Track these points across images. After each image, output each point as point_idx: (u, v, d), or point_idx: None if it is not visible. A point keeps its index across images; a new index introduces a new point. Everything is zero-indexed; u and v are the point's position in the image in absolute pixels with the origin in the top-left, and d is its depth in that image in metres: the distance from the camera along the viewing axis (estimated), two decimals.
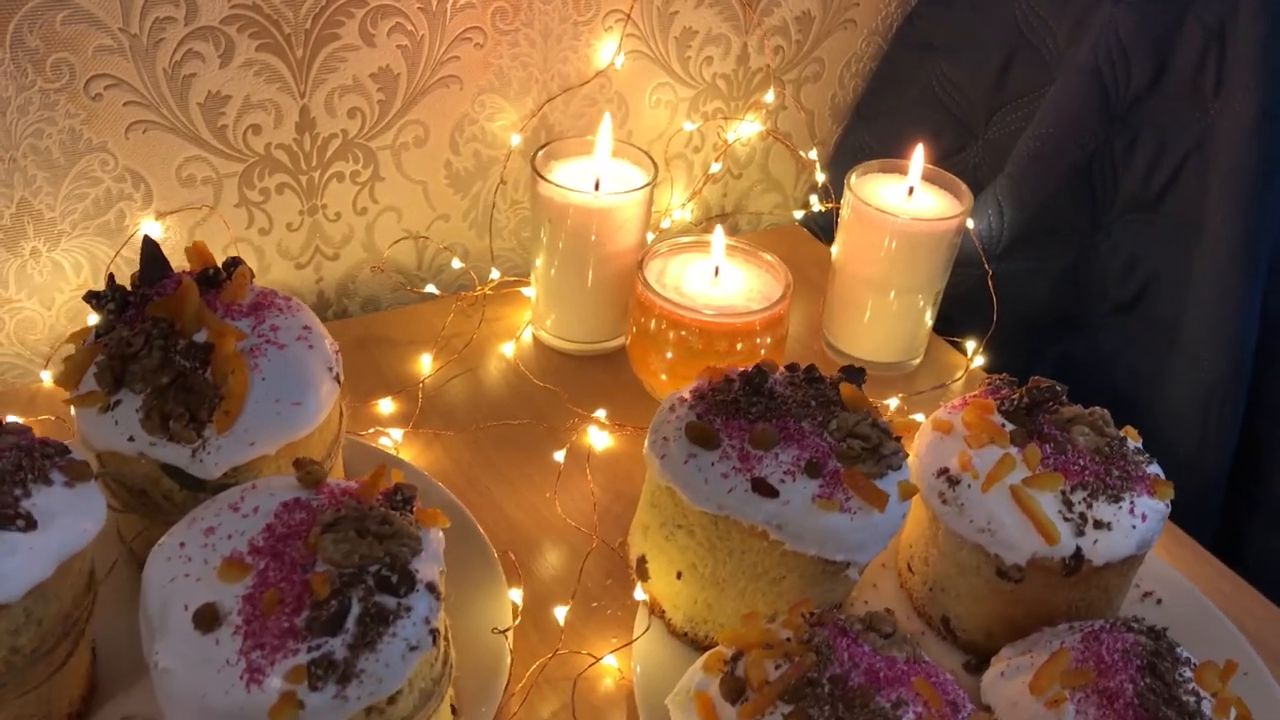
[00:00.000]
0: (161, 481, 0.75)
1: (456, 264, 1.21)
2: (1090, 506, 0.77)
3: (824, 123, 1.40)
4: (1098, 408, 0.84)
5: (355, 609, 0.62)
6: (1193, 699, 0.71)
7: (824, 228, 1.36)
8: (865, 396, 0.79)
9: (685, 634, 0.82)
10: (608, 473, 0.98)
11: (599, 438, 1.01)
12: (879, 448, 0.76)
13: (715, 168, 1.32)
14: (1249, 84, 1.05)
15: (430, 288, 1.18)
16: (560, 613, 0.83)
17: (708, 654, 0.74)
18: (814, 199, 1.32)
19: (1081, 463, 0.79)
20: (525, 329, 1.15)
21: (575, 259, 1.06)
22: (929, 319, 1.14)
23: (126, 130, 1.00)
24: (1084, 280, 1.21)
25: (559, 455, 0.97)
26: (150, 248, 0.80)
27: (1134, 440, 0.83)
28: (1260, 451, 1.13)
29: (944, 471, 0.80)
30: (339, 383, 0.81)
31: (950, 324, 1.20)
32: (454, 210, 1.21)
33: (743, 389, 0.79)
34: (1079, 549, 0.77)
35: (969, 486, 0.79)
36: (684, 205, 1.33)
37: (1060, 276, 1.22)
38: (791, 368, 0.82)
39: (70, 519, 0.66)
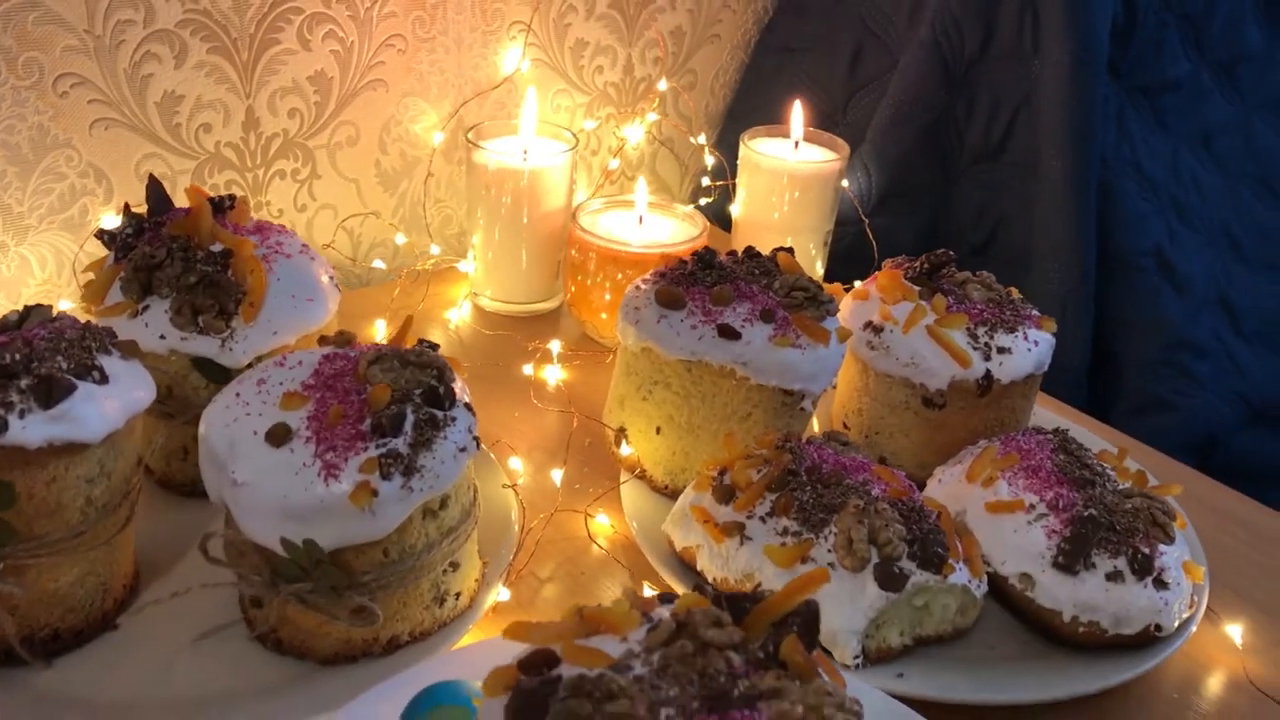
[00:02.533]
0: (189, 378, 0.83)
1: (400, 239, 1.31)
2: (992, 337, 0.92)
3: (699, 128, 1.57)
4: (984, 271, 0.99)
5: (410, 416, 0.71)
6: (1099, 467, 0.85)
7: (716, 219, 1.51)
8: (798, 263, 0.93)
9: (666, 487, 0.92)
10: (571, 391, 1.08)
11: (553, 372, 1.11)
12: (817, 296, 0.89)
13: (614, 164, 1.46)
14: (1061, 39, 1.27)
15: (378, 263, 1.28)
16: (556, 475, 0.93)
17: (696, 478, 0.85)
18: (705, 180, 1.47)
19: (979, 307, 0.94)
20: (464, 301, 1.25)
21: (511, 223, 1.18)
22: (820, 266, 1.30)
23: (90, 127, 1.08)
24: (943, 228, 1.40)
25: (527, 368, 1.08)
26: (156, 185, 0.88)
27: (1016, 295, 0.99)
28: (1113, 348, 1.31)
29: (869, 324, 0.94)
30: (339, 290, 0.90)
31: (834, 278, 1.35)
32: (384, 208, 1.31)
33: (696, 265, 0.91)
34: (988, 371, 0.91)
35: (891, 332, 0.93)
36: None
37: (924, 227, 1.40)
38: (730, 253, 0.95)
39: (130, 383, 0.73)
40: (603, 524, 0.91)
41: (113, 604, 0.76)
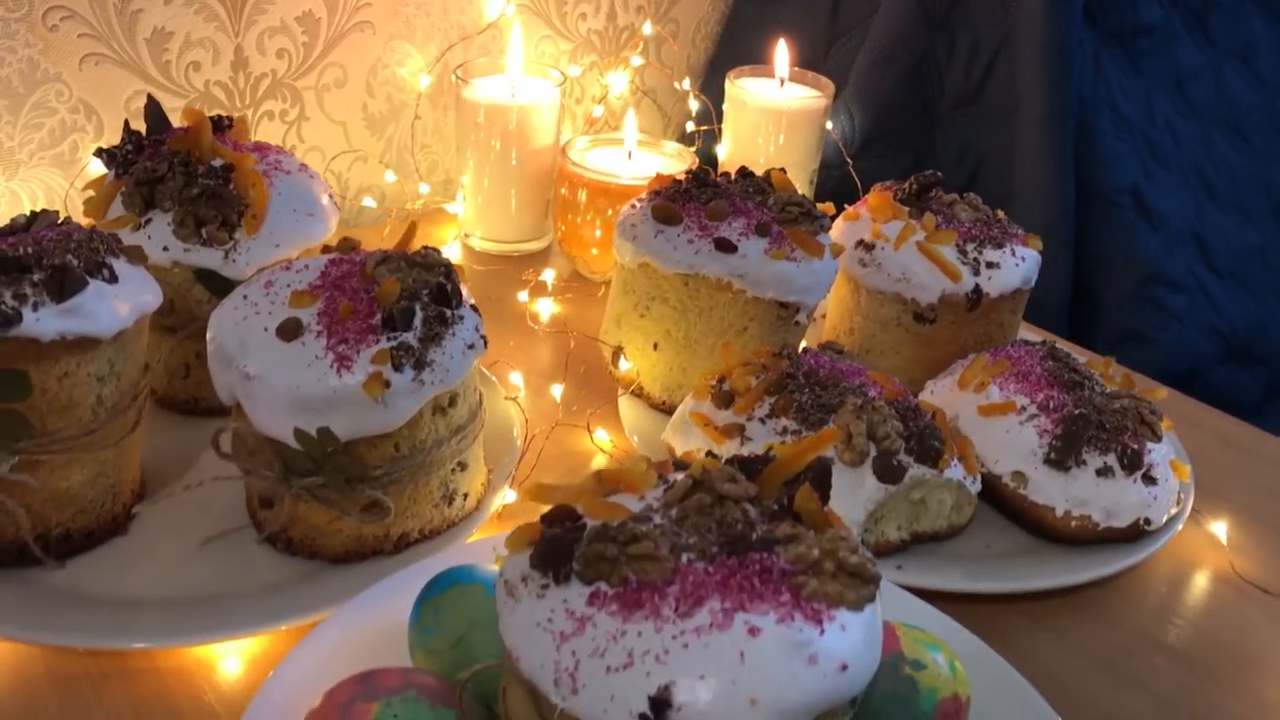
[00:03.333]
0: (192, 291, 0.83)
1: (390, 176, 1.31)
2: (981, 253, 0.94)
3: (682, 75, 1.58)
4: (970, 193, 1.01)
5: (419, 313, 0.72)
6: (1087, 372, 0.87)
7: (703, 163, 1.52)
8: (791, 182, 0.94)
9: (663, 403, 0.94)
10: (565, 321, 1.09)
11: (546, 305, 1.12)
12: (810, 212, 0.91)
13: (598, 110, 1.47)
14: None
15: (368, 200, 1.28)
16: (556, 390, 0.94)
17: (695, 388, 0.86)
18: (690, 125, 1.49)
19: (968, 225, 0.96)
20: (454, 242, 1.26)
21: (500, 161, 1.19)
22: None
23: (80, 62, 1.08)
24: (926, 169, 1.41)
25: (522, 295, 1.09)
26: (154, 106, 0.89)
27: (1002, 216, 1.01)
28: (1092, 284, 1.33)
29: (860, 243, 0.96)
30: (338, 207, 0.91)
31: None
32: (371, 151, 1.32)
33: (691, 184, 0.93)
34: (978, 285, 0.93)
35: (882, 249, 0.95)
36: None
37: (907, 169, 1.40)
38: (724, 173, 0.97)
39: (138, 286, 0.73)
40: (602, 439, 0.92)
41: (122, 508, 0.77)
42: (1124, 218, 1.34)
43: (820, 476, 0.56)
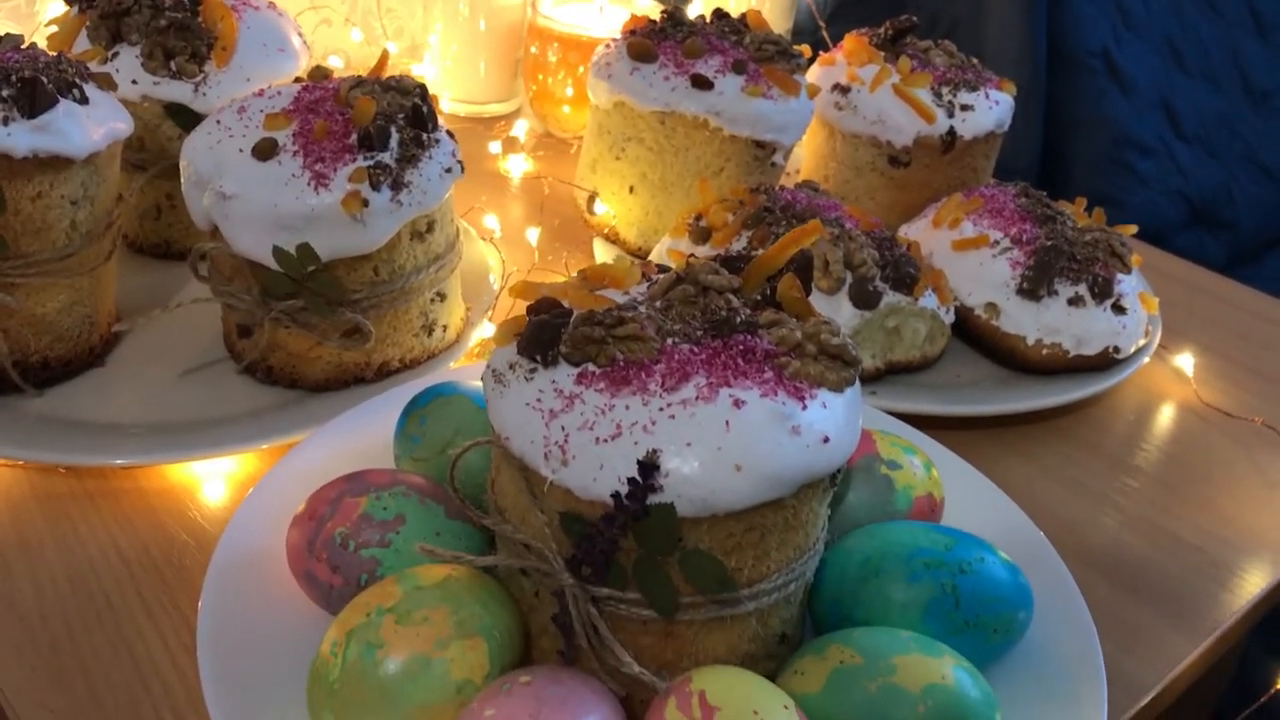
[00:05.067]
0: (162, 127, 0.82)
1: (357, 34, 1.29)
2: (955, 95, 0.95)
3: None
4: (945, 40, 1.01)
5: (395, 135, 0.71)
6: (1060, 209, 0.88)
7: None
8: (766, 21, 0.94)
9: (639, 249, 0.94)
10: (539, 173, 1.09)
11: (517, 161, 1.11)
12: (787, 50, 0.91)
13: None
14: None
15: (334, 59, 1.26)
16: (532, 234, 0.94)
17: (673, 226, 0.86)
18: None
19: (942, 69, 0.96)
20: None
21: (469, 21, 1.17)
22: None
23: None
24: None
25: (494, 145, 1.08)
26: None
27: (976, 62, 1.01)
28: (1062, 149, 1.34)
29: (836, 86, 0.96)
30: (308, 47, 0.89)
31: None
32: (335, 17, 1.29)
33: (666, 23, 0.92)
34: (952, 127, 0.94)
35: (858, 92, 0.95)
36: None
37: None
38: (699, 16, 0.96)
39: (109, 111, 0.72)
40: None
41: (99, 339, 0.76)
42: (1095, 82, 1.34)
43: (803, 267, 0.56)
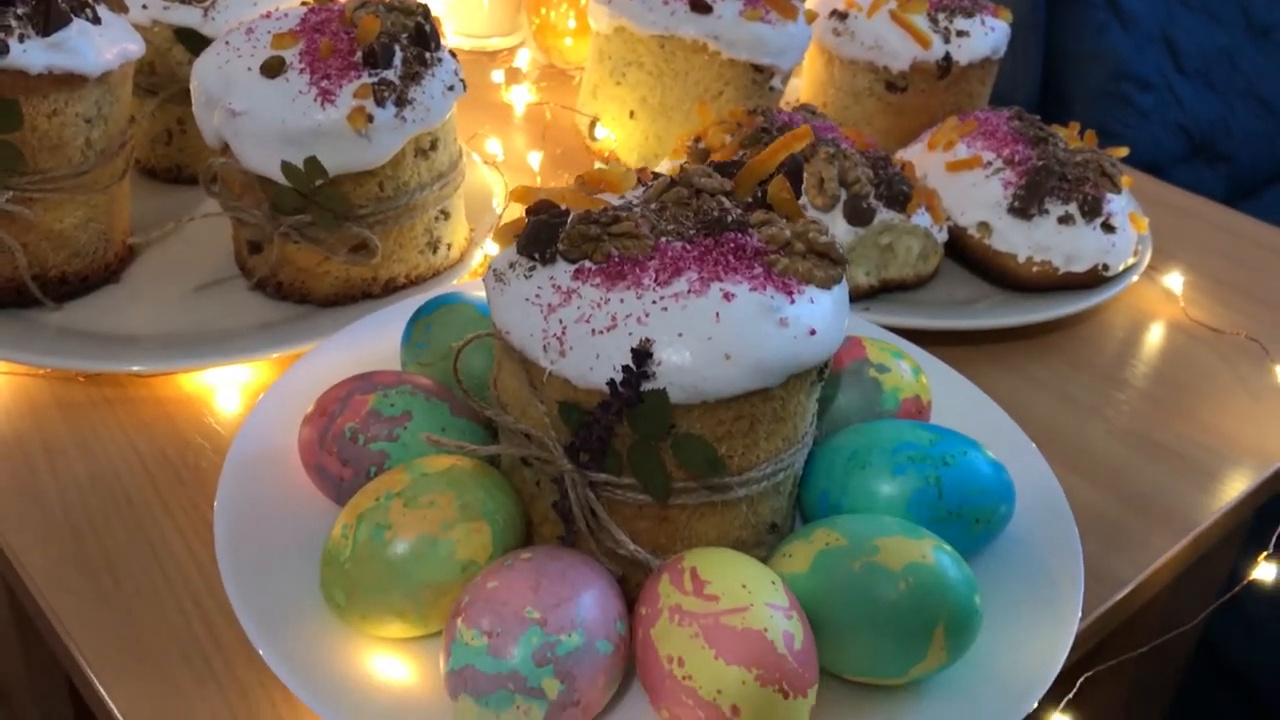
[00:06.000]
0: (172, 51, 0.84)
1: None
2: (951, 21, 0.96)
3: None
4: None
5: (399, 52, 0.73)
6: (1052, 131, 0.90)
7: None
8: None
9: None
10: (542, 99, 1.11)
11: (520, 92, 1.13)
12: None
13: None
14: None
15: None
16: (534, 158, 0.96)
17: (672, 149, 0.88)
18: None
19: None
20: None
21: None
22: None
23: None
24: None
25: (496, 74, 1.10)
26: None
27: None
28: (1062, 83, 1.35)
29: (834, 12, 0.98)
30: None
31: None
32: None
33: None
34: (948, 53, 0.95)
35: (856, 18, 0.96)
36: None
37: None
38: None
39: (122, 32, 0.74)
40: None
41: (114, 256, 0.79)
42: (1095, 16, 1.35)
43: (793, 171, 0.58)
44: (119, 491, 0.64)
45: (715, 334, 0.50)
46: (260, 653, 0.51)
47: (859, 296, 0.83)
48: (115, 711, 0.54)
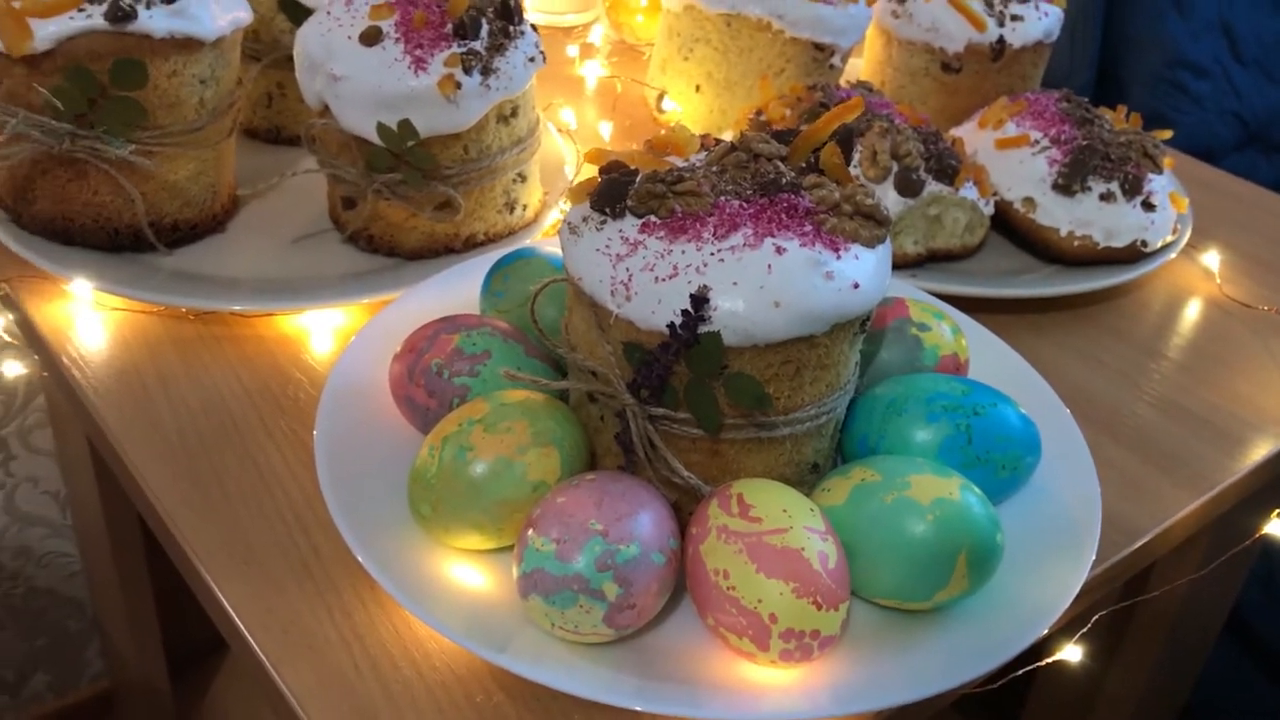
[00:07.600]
0: (275, 20, 0.91)
1: None
2: (1006, 6, 1.00)
3: None
4: None
5: (485, 25, 0.79)
6: (1099, 113, 0.94)
7: None
8: None
9: None
10: (611, 82, 1.16)
11: (593, 66, 1.19)
12: None
13: None
14: None
15: None
16: (605, 128, 1.02)
17: (734, 121, 0.94)
18: None
19: None
20: None
21: None
22: None
23: None
24: None
25: (571, 49, 1.16)
26: None
27: None
28: (1117, 69, 1.38)
29: None
30: None
31: None
32: None
33: None
34: (1002, 36, 0.99)
35: (914, 1, 1.01)
36: None
37: None
38: None
39: (234, 1, 0.81)
40: None
41: (220, 208, 0.86)
42: (1152, 2, 1.38)
43: (844, 139, 0.64)
44: (226, 418, 0.72)
45: (766, 284, 0.56)
46: (358, 558, 0.57)
47: (907, 265, 0.88)
48: (226, 606, 0.61)
